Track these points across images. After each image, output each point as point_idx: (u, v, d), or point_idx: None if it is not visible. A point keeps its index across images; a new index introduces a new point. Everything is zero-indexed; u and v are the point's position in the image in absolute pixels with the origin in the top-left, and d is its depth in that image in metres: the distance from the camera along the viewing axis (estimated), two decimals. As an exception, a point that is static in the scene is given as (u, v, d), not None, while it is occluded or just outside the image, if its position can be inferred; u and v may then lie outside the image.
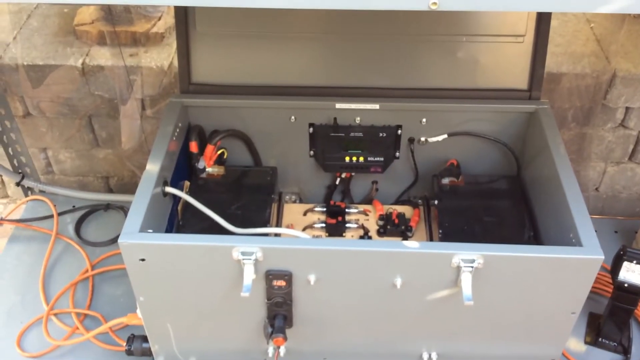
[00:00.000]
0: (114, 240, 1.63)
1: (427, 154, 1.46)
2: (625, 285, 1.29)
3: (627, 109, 1.67)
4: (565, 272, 1.06)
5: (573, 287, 1.08)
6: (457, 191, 1.41)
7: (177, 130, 1.33)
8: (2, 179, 2.07)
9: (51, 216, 1.69)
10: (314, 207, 1.52)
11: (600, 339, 1.41)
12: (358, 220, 1.49)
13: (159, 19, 1.74)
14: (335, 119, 1.40)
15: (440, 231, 1.33)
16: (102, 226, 1.71)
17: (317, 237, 1.44)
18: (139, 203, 1.13)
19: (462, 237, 1.30)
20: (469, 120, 1.40)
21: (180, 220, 1.32)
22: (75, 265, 1.59)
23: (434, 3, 0.77)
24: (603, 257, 1.04)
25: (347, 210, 1.50)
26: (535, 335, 1.18)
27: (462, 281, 1.05)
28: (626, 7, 0.78)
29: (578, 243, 1.07)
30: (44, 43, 1.70)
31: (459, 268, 1.05)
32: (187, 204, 1.30)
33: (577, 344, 1.42)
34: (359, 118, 1.40)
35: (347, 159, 1.45)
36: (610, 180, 1.83)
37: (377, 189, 1.55)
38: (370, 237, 1.45)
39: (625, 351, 1.40)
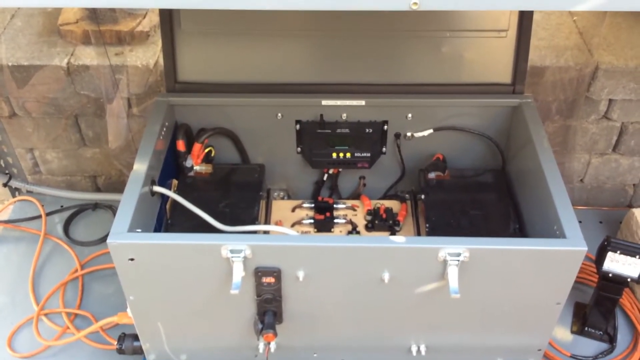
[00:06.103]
0: (103, 240, 1.63)
1: (413, 149, 1.47)
2: (610, 275, 1.31)
3: (610, 100, 1.68)
4: (549, 263, 1.08)
5: (557, 278, 1.10)
6: (444, 185, 1.42)
7: (164, 129, 1.33)
8: (-12, 180, 2.06)
9: (39, 216, 1.69)
10: (302, 203, 1.53)
11: (586, 328, 1.43)
12: (346, 215, 1.50)
13: (144, 17, 1.73)
14: (321, 115, 1.41)
15: (428, 225, 1.34)
16: (91, 225, 1.71)
17: (306, 233, 1.45)
18: (127, 203, 1.13)
19: (449, 230, 1.31)
20: (454, 114, 1.41)
21: (169, 219, 1.33)
22: (65, 265, 1.59)
23: (415, 3, 0.78)
24: (586, 248, 1.06)
25: (335, 205, 1.51)
26: (521, 326, 1.20)
27: (448, 274, 1.06)
28: (603, 4, 0.79)
29: (562, 235, 1.09)
30: (29, 43, 1.69)
31: (445, 262, 1.06)
32: (175, 203, 1.31)
33: (563, 334, 1.44)
34: (345, 114, 1.41)
35: (334, 155, 1.45)
36: (594, 171, 1.85)
37: (364, 185, 1.56)
38: (358, 232, 1.46)
39: (611, 340, 1.42)
